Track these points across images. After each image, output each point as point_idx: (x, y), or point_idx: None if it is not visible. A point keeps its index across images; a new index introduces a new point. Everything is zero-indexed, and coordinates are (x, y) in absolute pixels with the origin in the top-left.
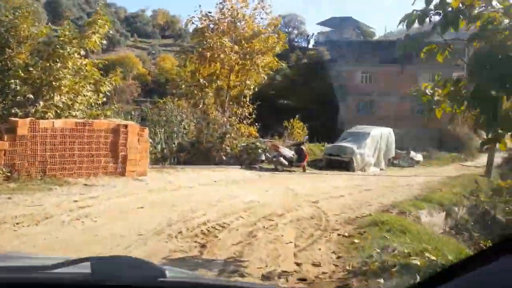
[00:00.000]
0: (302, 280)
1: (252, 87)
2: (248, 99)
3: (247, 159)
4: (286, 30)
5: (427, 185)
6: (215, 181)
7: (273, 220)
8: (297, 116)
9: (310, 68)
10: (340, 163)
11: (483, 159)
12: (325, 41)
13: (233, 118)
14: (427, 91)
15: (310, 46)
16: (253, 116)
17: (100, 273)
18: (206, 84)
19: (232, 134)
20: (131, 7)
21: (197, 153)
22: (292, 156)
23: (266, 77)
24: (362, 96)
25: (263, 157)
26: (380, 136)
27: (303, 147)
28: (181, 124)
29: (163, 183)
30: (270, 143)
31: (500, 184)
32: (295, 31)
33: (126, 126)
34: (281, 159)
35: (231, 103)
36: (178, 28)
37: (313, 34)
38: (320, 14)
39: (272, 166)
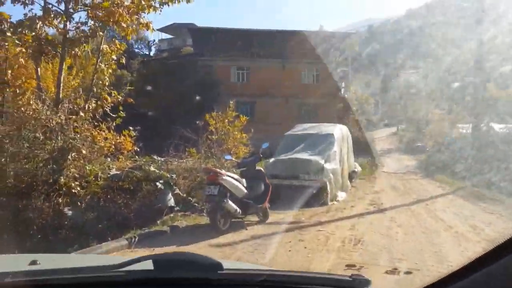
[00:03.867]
0: None
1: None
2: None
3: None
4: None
5: None
6: None
7: None
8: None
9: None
10: (298, 191)
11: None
12: (188, 29)
13: (79, 116)
14: None
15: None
16: (121, 113)
17: (162, 269)
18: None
19: (83, 150)
20: None
21: None
22: (245, 189)
23: None
24: (239, 96)
25: (172, 201)
26: (342, 139)
27: (261, 168)
28: None
29: None
30: (204, 167)
31: None
32: (134, 37)
33: None
34: (228, 202)
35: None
36: None
37: (154, 40)
38: (161, 19)
39: (208, 221)
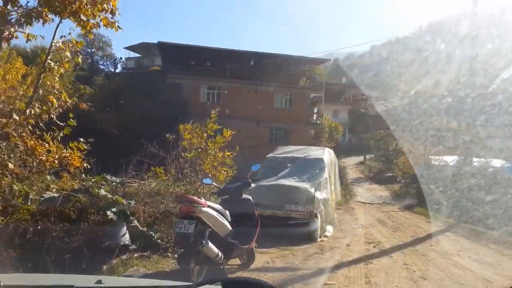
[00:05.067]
0: None
1: None
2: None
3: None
4: (89, 50)
5: None
6: None
7: None
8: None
9: (134, 83)
10: (283, 224)
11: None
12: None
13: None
14: None
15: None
16: (72, 121)
17: None
18: None
19: (10, 164)
20: None
21: None
22: (229, 225)
23: None
24: (209, 117)
25: (126, 238)
26: (331, 165)
27: (249, 196)
28: None
29: None
30: (178, 194)
31: None
32: (100, 53)
33: None
34: (208, 245)
35: None
36: None
37: (120, 58)
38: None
39: (175, 265)
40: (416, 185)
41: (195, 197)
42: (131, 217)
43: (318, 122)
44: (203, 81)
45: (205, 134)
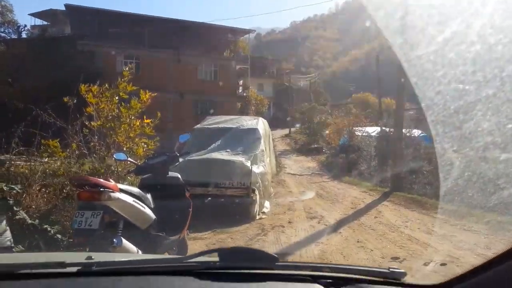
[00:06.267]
0: None
1: None
2: None
3: None
4: None
5: None
6: None
7: None
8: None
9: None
10: (217, 203)
11: (293, 167)
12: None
13: None
14: None
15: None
16: None
17: (227, 260)
18: None
19: None
20: None
21: None
22: (151, 213)
23: None
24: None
25: (7, 236)
26: (266, 136)
27: (177, 174)
28: None
29: None
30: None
31: None
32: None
33: None
34: (122, 243)
35: None
36: None
37: (25, 25)
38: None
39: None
40: (342, 155)
41: (100, 179)
42: (15, 208)
43: (245, 95)
44: (119, 49)
45: (117, 97)
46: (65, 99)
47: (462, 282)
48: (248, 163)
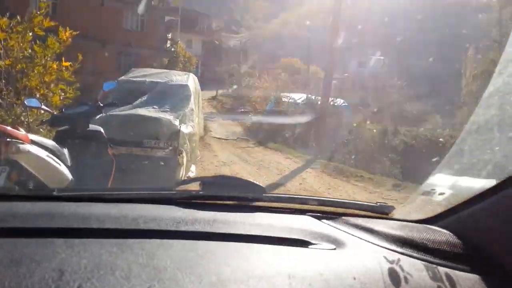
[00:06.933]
0: None
1: None
2: None
3: None
4: None
5: None
6: None
7: None
8: None
9: None
10: (140, 164)
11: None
12: None
13: None
14: None
15: None
16: None
17: (210, 189)
18: None
19: None
20: None
21: None
22: (67, 172)
23: None
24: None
25: None
26: (196, 94)
27: (99, 128)
28: None
29: None
30: None
31: None
32: None
33: None
34: None
35: None
36: None
37: None
38: None
39: None
40: (266, 120)
41: (8, 127)
42: None
43: (173, 50)
44: None
45: (31, 34)
46: None
47: (454, 214)
48: (177, 122)
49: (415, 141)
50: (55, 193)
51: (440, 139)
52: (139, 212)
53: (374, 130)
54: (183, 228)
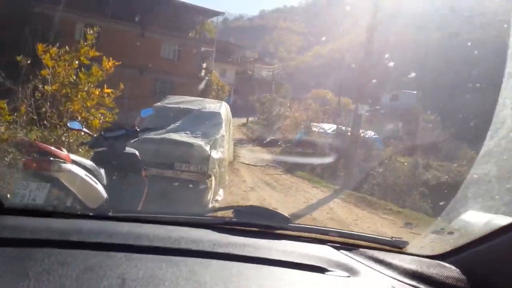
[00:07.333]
0: None
1: None
2: None
3: None
4: None
5: None
6: None
7: None
8: None
9: None
10: (171, 186)
11: (247, 156)
12: None
13: None
14: None
15: None
16: None
17: (241, 217)
18: None
19: None
20: None
21: None
22: (103, 191)
23: None
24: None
25: None
26: (227, 121)
27: (134, 151)
28: None
29: None
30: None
31: None
32: None
33: None
34: None
35: None
36: None
37: None
38: None
39: None
40: (298, 149)
41: (51, 147)
42: None
43: (207, 78)
44: (79, 16)
45: (77, 62)
46: (18, 58)
47: (465, 252)
48: (208, 148)
49: (448, 176)
50: (110, 214)
51: (475, 176)
52: (181, 234)
53: (405, 163)
54: (218, 250)
